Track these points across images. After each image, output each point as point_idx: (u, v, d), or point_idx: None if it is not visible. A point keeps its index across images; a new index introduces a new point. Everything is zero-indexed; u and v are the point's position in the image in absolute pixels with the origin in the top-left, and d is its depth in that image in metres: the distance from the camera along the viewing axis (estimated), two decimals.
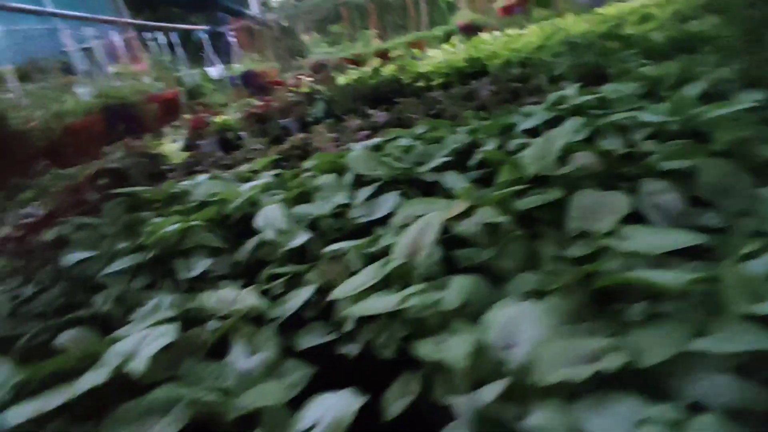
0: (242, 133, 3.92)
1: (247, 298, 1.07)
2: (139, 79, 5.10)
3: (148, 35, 7.34)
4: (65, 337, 1.09)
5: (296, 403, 0.83)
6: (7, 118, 2.85)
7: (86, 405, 0.83)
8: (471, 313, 0.85)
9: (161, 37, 7.41)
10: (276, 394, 0.81)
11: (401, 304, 0.86)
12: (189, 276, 1.29)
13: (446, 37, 7.67)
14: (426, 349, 0.75)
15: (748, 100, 1.40)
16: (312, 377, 0.92)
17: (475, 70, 3.78)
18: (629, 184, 1.14)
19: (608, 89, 1.87)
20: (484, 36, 5.91)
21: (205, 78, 5.28)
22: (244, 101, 5.14)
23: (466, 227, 1.09)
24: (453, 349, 0.71)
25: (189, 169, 2.87)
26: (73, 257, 1.44)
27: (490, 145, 1.59)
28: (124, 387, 0.88)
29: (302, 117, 4.00)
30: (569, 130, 1.29)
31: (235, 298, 1.09)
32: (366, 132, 2.70)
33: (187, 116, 4.73)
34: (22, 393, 0.86)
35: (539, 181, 1.20)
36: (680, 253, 0.87)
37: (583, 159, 1.15)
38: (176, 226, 1.42)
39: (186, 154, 3.35)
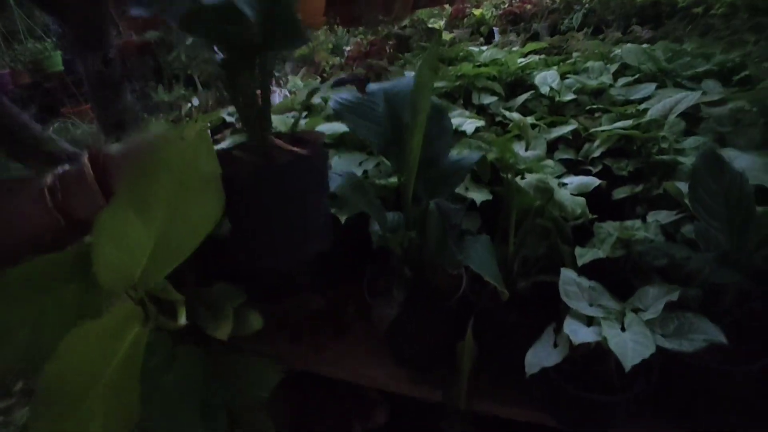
0: (495, 29, 4.30)
1: (528, 119, 1.57)
2: None
3: None
4: None
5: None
6: None
7: None
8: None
9: None
10: (551, 163, 1.31)
11: (651, 134, 1.26)
12: (479, 103, 1.85)
13: None
14: (664, 157, 1.15)
15: None
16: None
17: None
18: None
19: None
20: None
21: None
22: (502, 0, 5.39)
23: (714, 111, 1.38)
24: (682, 158, 1.10)
25: (454, 45, 3.43)
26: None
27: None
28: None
29: (556, 24, 4.16)
30: None
31: (519, 117, 1.60)
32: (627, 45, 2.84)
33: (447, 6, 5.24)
34: None
35: None
36: None
37: None
38: (473, 70, 1.97)
39: (452, 35, 3.91)
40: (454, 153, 1.30)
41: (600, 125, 1.57)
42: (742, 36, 2.31)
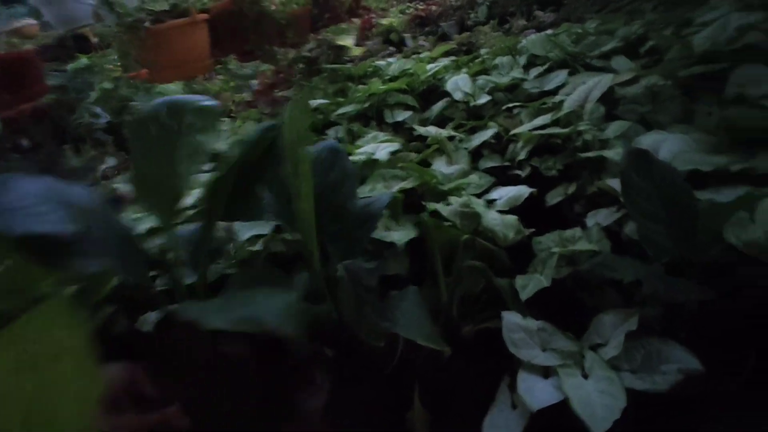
0: (405, 35, 4.25)
1: (445, 132, 1.46)
2: None
3: None
4: None
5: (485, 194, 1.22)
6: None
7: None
8: (626, 143, 1.12)
9: None
10: (474, 180, 1.19)
11: (571, 131, 1.16)
12: (394, 121, 1.72)
13: None
14: (589, 153, 1.06)
15: None
16: (492, 185, 1.30)
17: None
18: None
19: None
20: None
21: None
22: (406, 5, 5.39)
23: (629, 90, 1.31)
24: (610, 153, 1.01)
25: (365, 60, 3.33)
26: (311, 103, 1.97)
27: (667, 32, 1.70)
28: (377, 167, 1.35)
29: (462, 20, 4.16)
30: (748, 17, 1.37)
31: (436, 131, 1.48)
32: (531, 31, 2.83)
33: (355, 19, 5.18)
34: None
35: (707, 59, 1.35)
36: None
37: (754, 36, 1.26)
38: (382, 87, 1.84)
39: (362, 48, 3.81)
40: (368, 189, 1.15)
41: (521, 123, 1.48)
42: (639, 5, 2.33)
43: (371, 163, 1.30)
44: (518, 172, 1.33)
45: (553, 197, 1.16)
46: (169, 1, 3.60)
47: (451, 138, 1.43)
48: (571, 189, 1.15)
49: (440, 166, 1.36)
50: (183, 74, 3.21)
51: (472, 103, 1.63)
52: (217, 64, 3.30)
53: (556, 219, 1.15)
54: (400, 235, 0.98)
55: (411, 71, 2.04)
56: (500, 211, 1.05)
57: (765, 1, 1.77)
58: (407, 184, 1.17)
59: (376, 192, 1.12)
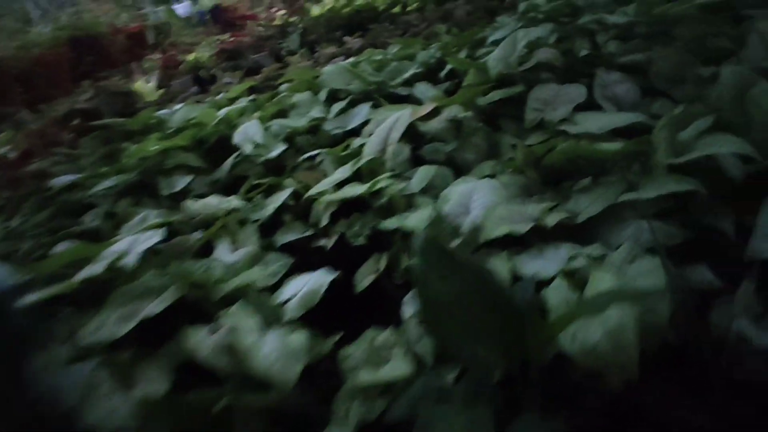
0: (215, 71, 3.85)
1: (230, 202, 1.13)
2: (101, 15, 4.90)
3: None
4: (60, 248, 1.15)
5: (279, 287, 0.92)
6: None
7: (86, 294, 0.91)
8: (434, 195, 0.92)
9: None
10: (258, 275, 0.89)
11: (371, 189, 0.93)
12: (172, 192, 1.34)
13: None
14: (392, 222, 0.83)
15: None
16: (292, 266, 1.01)
17: None
18: (588, 80, 1.19)
19: None
20: None
21: (171, 15, 5.06)
22: (214, 38, 4.96)
23: (432, 126, 1.14)
24: (414, 219, 0.78)
25: (164, 105, 2.84)
26: (60, 180, 1.48)
27: (462, 56, 1.61)
28: (120, 283, 0.95)
29: (276, 50, 3.92)
30: (534, 32, 1.32)
31: (218, 203, 1.15)
32: (341, 58, 2.67)
33: (156, 56, 4.58)
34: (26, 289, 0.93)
35: (503, 81, 1.25)
36: (625, 134, 0.94)
37: (544, 54, 1.18)
38: (157, 147, 1.45)
39: (160, 92, 3.29)
40: (93, 326, 0.77)
41: (324, 175, 1.22)
42: (435, 28, 2.30)
43: (117, 274, 0.91)
44: (323, 242, 1.06)
45: (363, 278, 0.90)
46: None
47: (235, 210, 1.11)
48: (383, 263, 0.91)
49: (223, 252, 1.03)
50: None
51: (263, 157, 1.33)
52: None
53: (372, 302, 0.91)
54: None
55: (197, 121, 1.68)
56: (290, 321, 0.76)
57: (547, 13, 1.81)
58: (161, 304, 0.81)
59: (104, 331, 0.75)
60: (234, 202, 1.13)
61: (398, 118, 1.09)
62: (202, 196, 1.37)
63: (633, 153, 0.77)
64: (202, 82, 3.67)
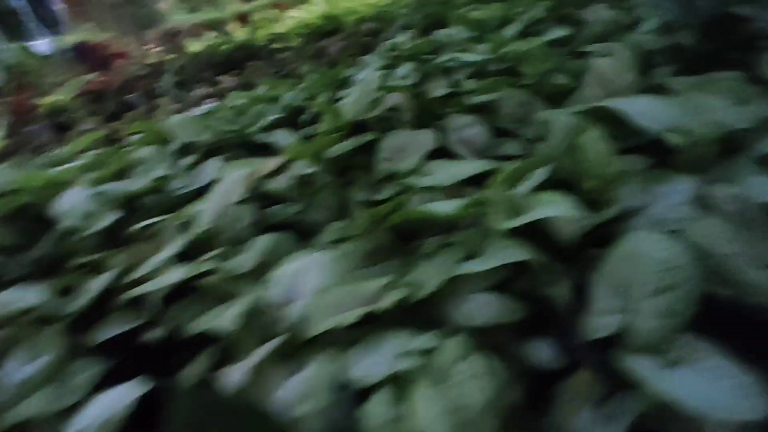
0: (78, 114, 3.45)
1: (28, 298, 0.91)
2: None
3: None
4: None
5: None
6: None
7: None
8: (272, 270, 0.80)
9: None
10: (45, 402, 0.69)
11: (193, 272, 0.78)
12: None
13: None
14: (202, 321, 0.68)
15: (552, 35, 1.48)
16: (112, 371, 0.82)
17: (332, 28, 3.66)
18: (442, 123, 1.15)
19: (441, 34, 1.89)
20: None
21: (26, 53, 4.51)
22: (82, 78, 4.50)
23: (279, 183, 1.02)
24: (224, 315, 0.65)
25: (7, 158, 2.45)
26: None
27: (323, 98, 1.53)
28: None
29: (149, 91, 3.62)
30: (391, 73, 1.27)
31: (15, 299, 0.92)
32: (212, 99, 2.50)
33: (6, 99, 4.03)
34: None
35: (358, 127, 1.17)
36: (476, 183, 0.89)
37: (394, 100, 1.13)
38: None
39: (5, 142, 2.85)
40: None
41: (158, 248, 1.05)
42: (302, 68, 2.22)
43: None
44: (155, 334, 0.88)
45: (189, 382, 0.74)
46: None
47: (33, 308, 0.89)
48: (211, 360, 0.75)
49: (14, 367, 0.81)
50: None
51: (91, 230, 1.12)
52: None
53: None
54: None
55: (18, 186, 1.41)
56: None
57: (409, 51, 1.80)
58: None
59: None
60: (34, 296, 0.91)
61: (234, 181, 0.95)
62: (18, 280, 1.13)
63: (470, 216, 0.71)
64: (63, 128, 3.27)
